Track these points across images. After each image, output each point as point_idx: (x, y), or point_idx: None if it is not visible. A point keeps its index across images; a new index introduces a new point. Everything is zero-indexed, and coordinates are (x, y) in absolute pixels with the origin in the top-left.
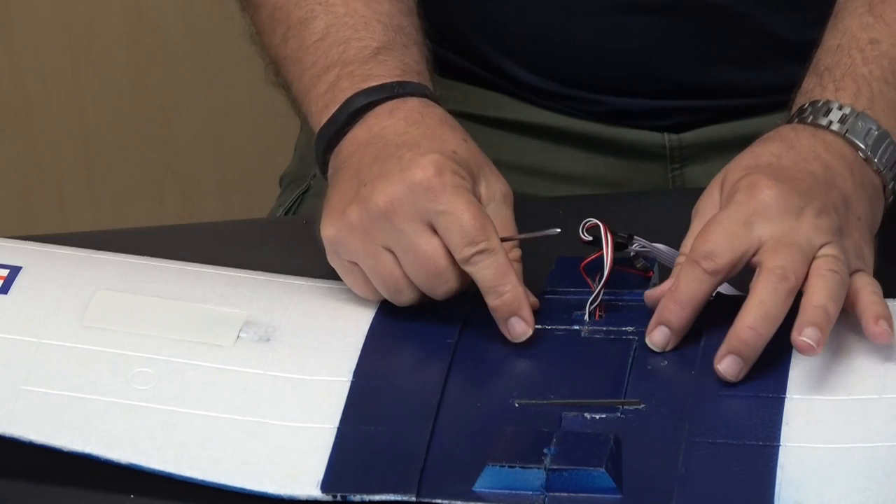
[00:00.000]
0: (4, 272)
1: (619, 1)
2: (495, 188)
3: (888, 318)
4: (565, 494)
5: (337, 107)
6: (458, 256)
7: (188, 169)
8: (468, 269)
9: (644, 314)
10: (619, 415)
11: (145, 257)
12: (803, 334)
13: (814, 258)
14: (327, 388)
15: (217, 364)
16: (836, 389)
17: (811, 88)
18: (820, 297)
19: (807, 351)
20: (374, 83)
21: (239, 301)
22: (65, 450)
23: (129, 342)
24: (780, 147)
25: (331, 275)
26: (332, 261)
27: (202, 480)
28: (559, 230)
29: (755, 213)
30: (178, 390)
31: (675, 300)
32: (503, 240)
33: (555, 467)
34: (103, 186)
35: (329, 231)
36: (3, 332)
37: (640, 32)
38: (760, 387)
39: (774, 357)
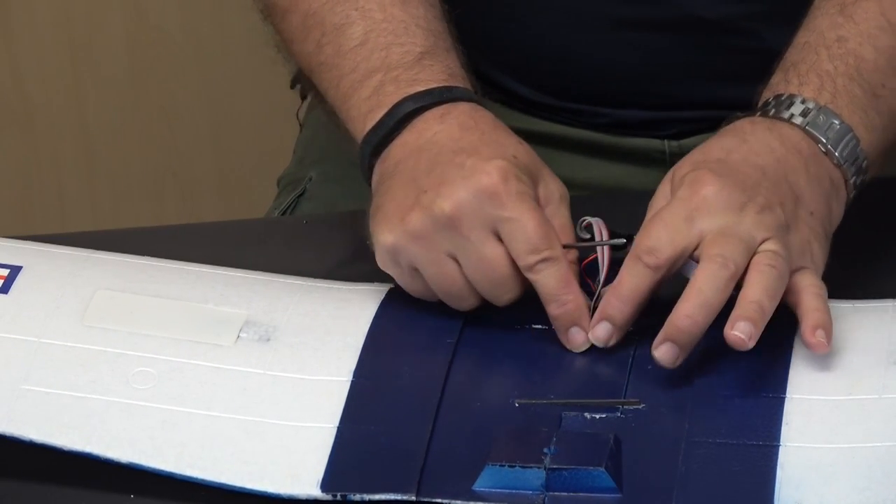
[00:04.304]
0: (5, 272)
1: (617, 17)
2: (553, 189)
3: (827, 328)
4: (565, 494)
5: (384, 112)
6: (521, 264)
7: (188, 169)
8: (531, 276)
9: (644, 314)
10: (619, 415)
11: (145, 257)
12: (736, 328)
13: (754, 253)
14: (327, 388)
15: (217, 364)
16: (836, 389)
17: (776, 83)
18: (755, 291)
19: (738, 345)
20: (421, 88)
21: (239, 301)
22: (65, 449)
23: (130, 342)
24: (733, 141)
25: (331, 275)
26: (387, 267)
27: (202, 480)
28: (625, 240)
29: (697, 209)
30: (179, 390)
31: (616, 295)
32: (565, 247)
33: (555, 467)
34: (103, 186)
35: (388, 238)
36: (3, 331)
37: (639, 48)
38: (760, 387)
39: (774, 357)
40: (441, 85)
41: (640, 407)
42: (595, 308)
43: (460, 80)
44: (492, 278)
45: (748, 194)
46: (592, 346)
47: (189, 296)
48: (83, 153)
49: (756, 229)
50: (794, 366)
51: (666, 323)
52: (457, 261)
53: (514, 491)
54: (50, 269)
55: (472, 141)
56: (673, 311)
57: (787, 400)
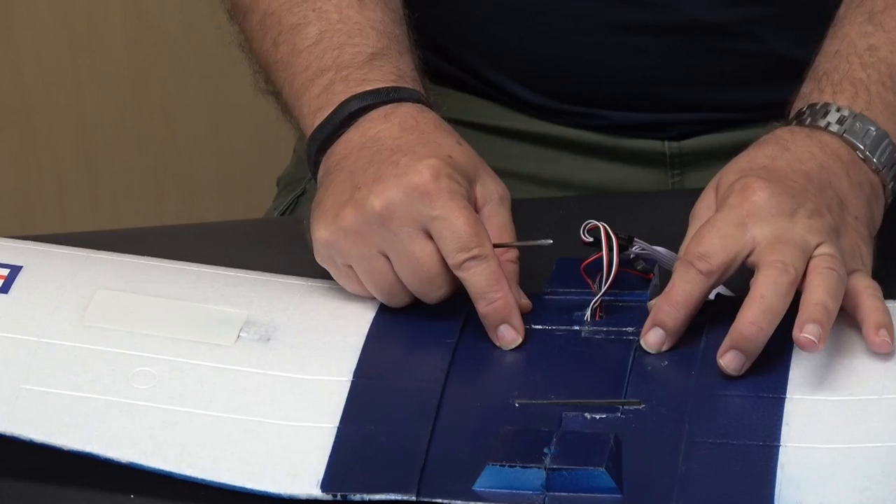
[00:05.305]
0: (5, 272)
1: (617, 21)
2: (491, 189)
3: (889, 327)
4: (565, 494)
5: (331, 109)
6: (450, 261)
7: (188, 169)
8: (460, 274)
9: (644, 315)
10: (619, 415)
11: (145, 257)
12: (805, 331)
13: (811, 257)
14: (327, 388)
15: (217, 364)
16: (837, 389)
17: (809, 92)
18: (819, 294)
19: (809, 347)
20: (369, 87)
21: (239, 301)
22: (65, 449)
23: (130, 341)
24: (775, 149)
25: (330, 275)
26: (324, 262)
27: (202, 480)
28: (551, 241)
29: (748, 215)
30: (179, 390)
31: (669, 301)
32: (496, 246)
33: (555, 467)
34: (103, 186)
35: (322, 233)
36: (3, 331)
37: (639, 52)
38: (760, 387)
39: (774, 357)
40: (388, 85)
41: (640, 407)
42: (595, 310)
43: (409, 82)
44: (421, 276)
45: (798, 200)
46: (593, 347)
47: (189, 296)
48: (83, 153)
49: (809, 234)
50: (794, 366)
51: (730, 331)
52: (388, 258)
53: (514, 491)
54: (50, 269)
55: (409, 140)
56: (737, 319)
57: (787, 400)
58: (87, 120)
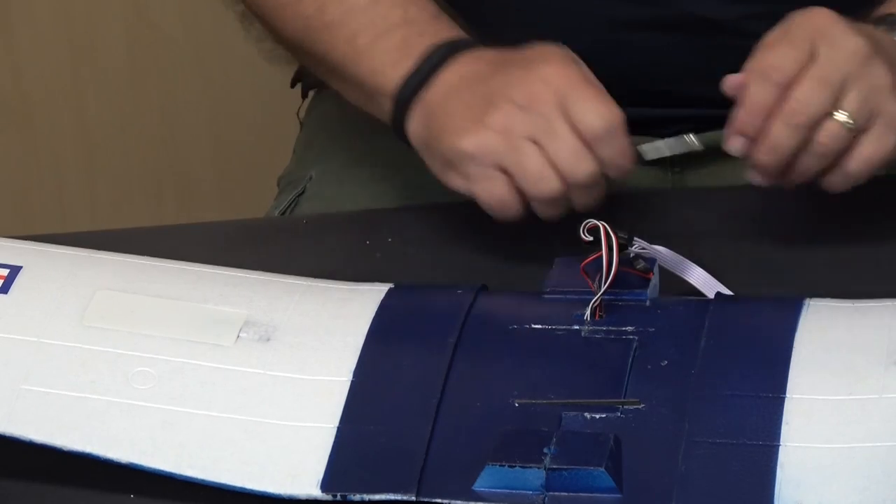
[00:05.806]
0: (4, 272)
1: (617, 18)
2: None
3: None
4: (565, 494)
5: (415, 59)
6: (589, 138)
7: (188, 169)
8: (597, 151)
9: (644, 315)
10: (619, 415)
11: (145, 257)
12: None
13: (831, 114)
14: (327, 388)
15: (217, 364)
16: (836, 389)
17: (883, 7)
18: (808, 164)
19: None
20: (447, 38)
21: (239, 301)
22: (65, 449)
23: (130, 342)
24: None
25: (331, 275)
26: (464, 178)
27: (202, 480)
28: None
29: (815, 32)
30: (179, 390)
31: (748, 111)
32: None
33: (555, 467)
34: (103, 186)
35: (467, 143)
36: (3, 331)
37: (640, 49)
38: (760, 386)
39: (774, 357)
40: (466, 38)
41: (640, 407)
42: (595, 309)
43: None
44: (569, 150)
45: (868, 45)
46: (593, 347)
47: (189, 296)
48: (83, 153)
49: (856, 72)
50: (794, 366)
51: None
52: (536, 145)
53: (514, 491)
54: (50, 269)
55: (518, 53)
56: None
57: (787, 400)
58: (87, 120)
